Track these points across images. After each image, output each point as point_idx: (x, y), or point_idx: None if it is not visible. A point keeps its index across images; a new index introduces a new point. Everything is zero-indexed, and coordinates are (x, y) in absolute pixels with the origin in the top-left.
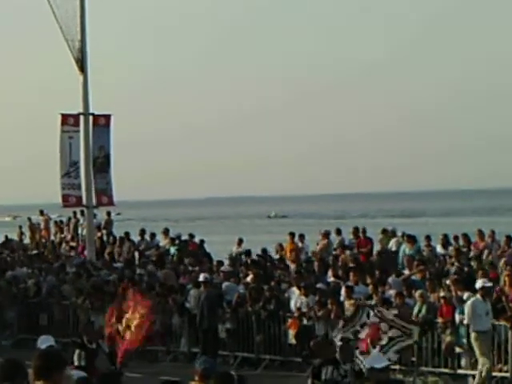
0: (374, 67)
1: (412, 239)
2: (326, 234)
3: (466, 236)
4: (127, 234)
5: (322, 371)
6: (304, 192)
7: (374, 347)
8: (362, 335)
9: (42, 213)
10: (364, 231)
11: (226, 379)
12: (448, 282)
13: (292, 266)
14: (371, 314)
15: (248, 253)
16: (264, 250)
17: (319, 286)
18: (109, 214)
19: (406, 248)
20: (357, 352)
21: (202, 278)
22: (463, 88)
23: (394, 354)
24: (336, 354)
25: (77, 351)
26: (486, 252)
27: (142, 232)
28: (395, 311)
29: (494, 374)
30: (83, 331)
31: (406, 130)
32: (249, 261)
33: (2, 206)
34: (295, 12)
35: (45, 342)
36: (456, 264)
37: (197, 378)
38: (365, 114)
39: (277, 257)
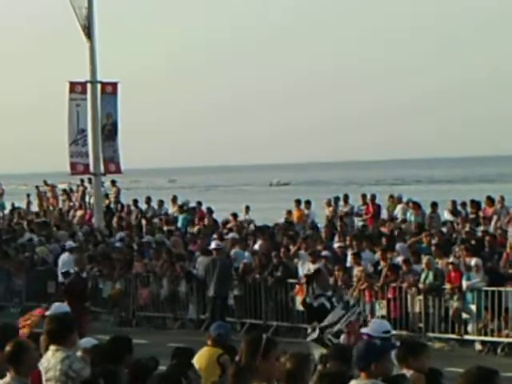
0: None
1: (417, 206)
2: (330, 202)
3: (474, 202)
4: (135, 201)
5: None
6: (306, 160)
7: None
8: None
9: (46, 183)
10: (373, 197)
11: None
12: (457, 248)
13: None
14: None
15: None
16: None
17: (324, 253)
18: (113, 182)
19: (411, 215)
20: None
21: (214, 245)
22: None
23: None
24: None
25: None
26: (495, 218)
27: (148, 199)
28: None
29: (501, 339)
30: None
31: None
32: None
33: (12, 174)
34: None
35: (60, 309)
36: (465, 229)
37: (210, 342)
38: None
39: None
